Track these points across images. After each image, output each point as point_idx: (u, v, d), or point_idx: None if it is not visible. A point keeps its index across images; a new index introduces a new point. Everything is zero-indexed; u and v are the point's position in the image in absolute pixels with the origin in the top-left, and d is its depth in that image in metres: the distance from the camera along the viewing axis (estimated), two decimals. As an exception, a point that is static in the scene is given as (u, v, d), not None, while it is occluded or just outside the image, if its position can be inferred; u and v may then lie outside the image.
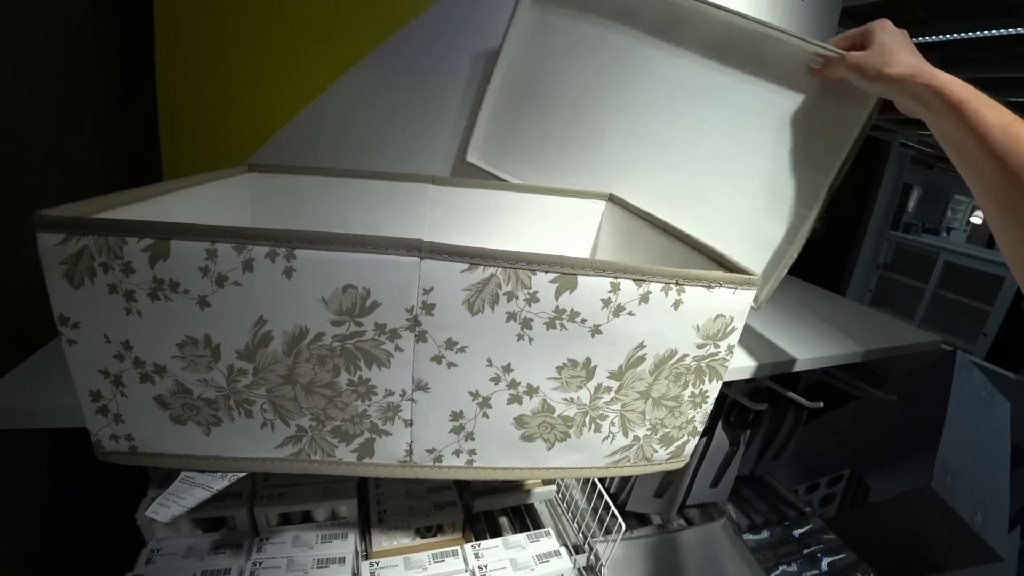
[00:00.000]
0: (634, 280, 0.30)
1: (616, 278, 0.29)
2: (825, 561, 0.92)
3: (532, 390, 0.32)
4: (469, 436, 0.32)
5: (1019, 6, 2.17)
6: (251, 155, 0.63)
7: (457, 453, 0.33)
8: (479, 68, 0.67)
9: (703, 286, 0.32)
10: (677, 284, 0.31)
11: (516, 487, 0.72)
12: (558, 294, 0.29)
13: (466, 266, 0.27)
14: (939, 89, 0.44)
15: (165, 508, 0.34)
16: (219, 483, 0.35)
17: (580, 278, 0.29)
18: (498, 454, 0.34)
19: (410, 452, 0.33)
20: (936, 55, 2.93)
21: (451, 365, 0.30)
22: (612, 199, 0.61)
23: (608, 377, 0.33)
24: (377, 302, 0.27)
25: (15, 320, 0.49)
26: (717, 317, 0.34)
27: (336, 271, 0.26)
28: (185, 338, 0.27)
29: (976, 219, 5.40)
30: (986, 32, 2.40)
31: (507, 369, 0.30)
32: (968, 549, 1.23)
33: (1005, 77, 3.05)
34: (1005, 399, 1.44)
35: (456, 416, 0.32)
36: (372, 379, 0.29)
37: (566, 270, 0.28)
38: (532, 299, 0.29)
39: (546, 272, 0.28)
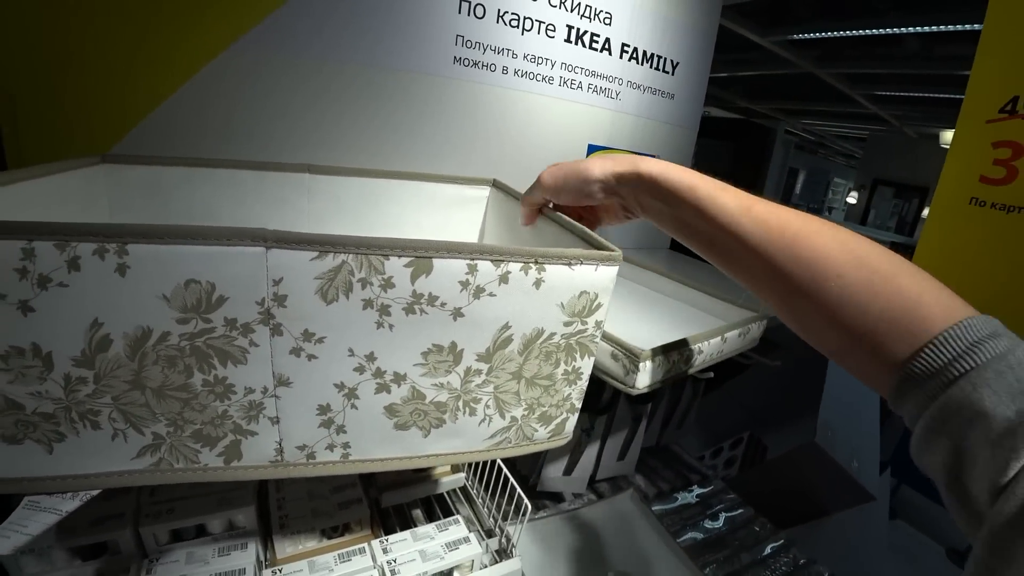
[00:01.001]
0: (492, 261, 0.31)
1: (473, 259, 0.30)
2: (726, 518, 1.00)
3: (399, 378, 0.32)
4: (340, 429, 0.32)
5: (885, 9, 2.42)
6: (112, 147, 0.58)
7: (331, 448, 0.33)
8: (355, 52, 0.66)
9: (564, 264, 0.33)
10: (537, 263, 0.32)
11: (424, 478, 0.72)
12: (414, 278, 0.29)
13: (315, 254, 0.27)
14: (656, 177, 0.40)
15: (4, 539, 0.31)
16: (69, 504, 0.32)
17: (435, 261, 0.29)
18: (373, 445, 0.34)
19: (280, 451, 0.32)
20: (815, 51, 3.21)
21: (311, 357, 0.29)
22: (496, 184, 0.62)
23: (477, 360, 0.34)
24: (224, 296, 0.26)
25: None
26: (581, 294, 0.35)
27: (176, 266, 0.25)
28: (9, 348, 0.25)
29: (851, 199, 5.99)
30: (858, 32, 2.66)
31: (370, 358, 0.30)
32: (848, 493, 1.38)
33: (872, 72, 3.40)
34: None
35: (324, 409, 0.31)
36: (229, 377, 0.28)
37: (419, 253, 0.28)
38: (387, 284, 0.29)
39: (400, 256, 0.28)
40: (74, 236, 0.23)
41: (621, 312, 0.71)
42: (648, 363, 0.52)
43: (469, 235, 0.64)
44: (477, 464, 0.74)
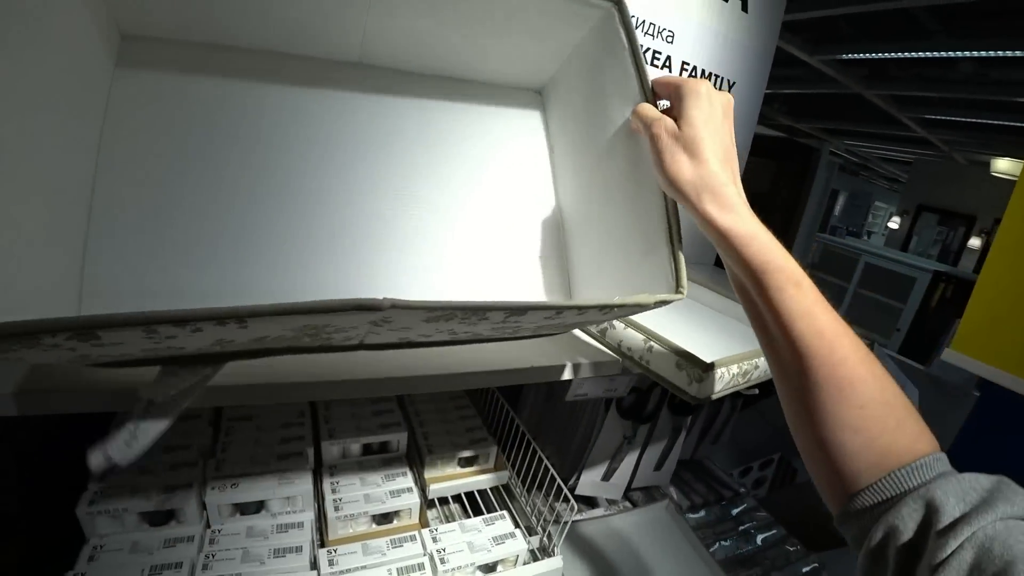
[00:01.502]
0: (577, 310, 0.34)
1: (559, 312, 0.33)
2: (759, 537, 0.99)
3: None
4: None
5: (933, 31, 2.36)
6: None
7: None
8: None
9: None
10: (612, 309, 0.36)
11: (469, 473, 0.73)
12: (506, 316, 0.32)
13: (426, 315, 0.28)
14: (736, 244, 0.38)
15: (125, 448, 0.32)
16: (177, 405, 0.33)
17: (529, 312, 0.32)
18: None
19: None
20: (863, 71, 3.15)
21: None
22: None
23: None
24: (335, 327, 0.29)
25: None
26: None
27: (293, 321, 0.27)
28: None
29: (893, 224, 5.85)
30: (904, 54, 2.61)
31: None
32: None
33: (922, 96, 3.32)
34: (915, 388, 1.57)
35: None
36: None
37: (515, 308, 0.31)
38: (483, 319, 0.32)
39: (499, 311, 0.30)
40: (200, 319, 0.24)
41: (673, 324, 0.72)
42: (713, 374, 0.53)
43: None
44: (520, 463, 0.76)
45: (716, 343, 0.67)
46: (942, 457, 0.34)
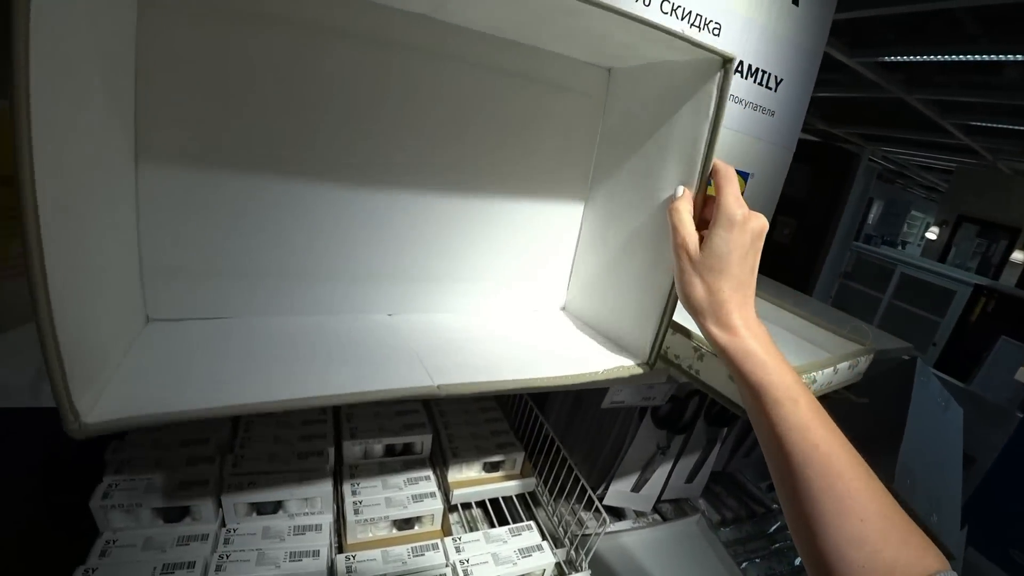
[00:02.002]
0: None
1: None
2: (797, 559, 0.94)
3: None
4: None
5: (977, 35, 2.26)
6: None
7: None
8: None
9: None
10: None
11: (495, 479, 0.70)
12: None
13: None
14: (734, 360, 0.41)
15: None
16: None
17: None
18: None
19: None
20: (902, 75, 3.04)
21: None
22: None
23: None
24: None
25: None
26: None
27: None
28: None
29: (931, 235, 5.65)
30: (947, 57, 2.50)
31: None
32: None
33: (966, 101, 3.19)
34: (959, 406, 1.50)
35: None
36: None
37: None
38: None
39: None
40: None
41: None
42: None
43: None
44: (547, 470, 0.72)
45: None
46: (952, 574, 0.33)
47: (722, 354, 0.42)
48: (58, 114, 0.26)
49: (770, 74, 1.12)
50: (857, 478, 0.36)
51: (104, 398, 0.32)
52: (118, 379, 0.34)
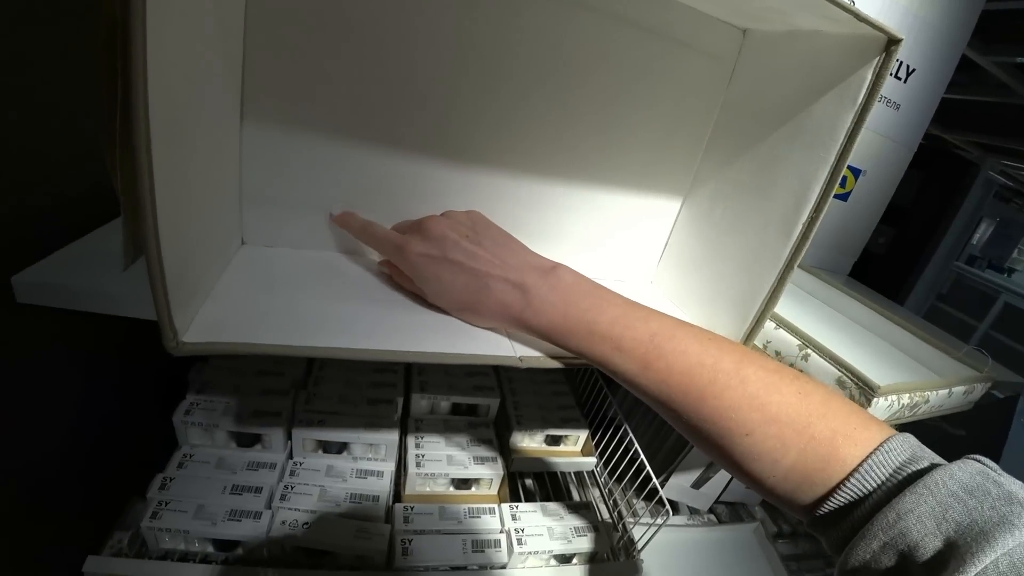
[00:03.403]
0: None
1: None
2: None
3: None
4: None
5: None
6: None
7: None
8: None
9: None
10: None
11: (556, 452, 0.68)
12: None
13: None
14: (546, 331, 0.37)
15: None
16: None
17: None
18: None
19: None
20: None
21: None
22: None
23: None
24: None
25: (68, 199, 0.46)
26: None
27: None
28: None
29: (1045, 263, 5.09)
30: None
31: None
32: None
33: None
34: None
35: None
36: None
37: None
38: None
39: None
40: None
41: (823, 330, 0.62)
42: (881, 400, 0.44)
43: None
44: (609, 450, 0.69)
45: (879, 363, 0.57)
46: (893, 447, 0.29)
47: (545, 336, 0.37)
48: (171, 35, 0.24)
49: (901, 62, 1.01)
50: (771, 399, 0.32)
51: (198, 319, 0.32)
52: (212, 301, 0.34)
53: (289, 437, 0.58)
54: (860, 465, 0.29)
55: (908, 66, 1.03)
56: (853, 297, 0.82)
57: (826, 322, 0.72)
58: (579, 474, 0.71)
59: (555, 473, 0.70)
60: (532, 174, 0.50)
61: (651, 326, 0.35)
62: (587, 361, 0.37)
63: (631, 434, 0.68)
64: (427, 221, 0.39)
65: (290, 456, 0.59)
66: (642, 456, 0.65)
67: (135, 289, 0.36)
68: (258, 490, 0.54)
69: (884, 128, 1.06)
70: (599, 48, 0.46)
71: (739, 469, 0.33)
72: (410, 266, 0.39)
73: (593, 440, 0.71)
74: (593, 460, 0.69)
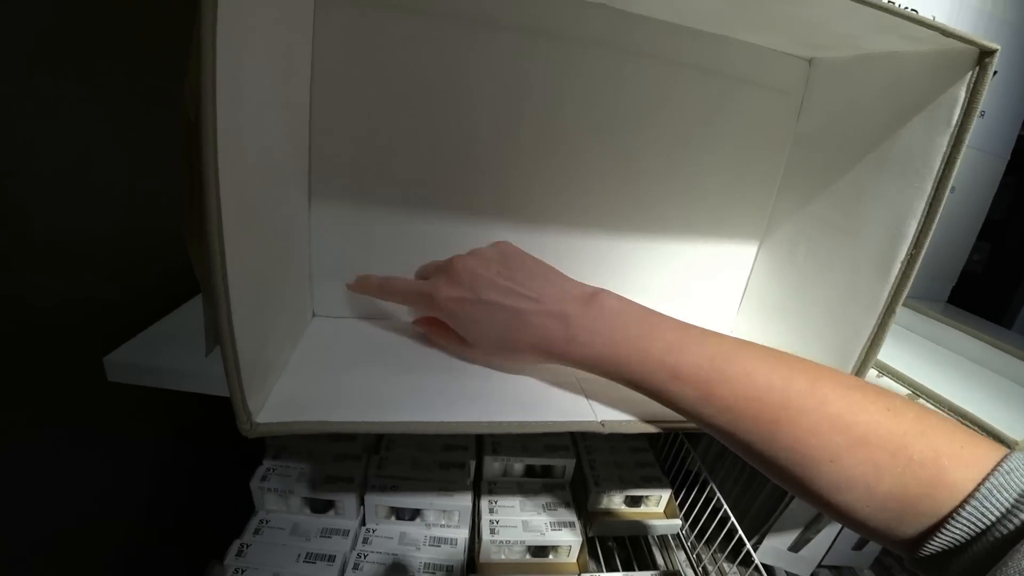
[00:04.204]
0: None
1: None
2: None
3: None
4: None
5: None
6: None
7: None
8: None
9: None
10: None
11: (637, 515, 0.64)
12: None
13: None
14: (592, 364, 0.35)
15: None
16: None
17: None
18: None
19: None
20: None
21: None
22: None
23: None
24: None
25: (161, 278, 0.49)
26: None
27: None
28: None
29: None
30: None
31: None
32: None
33: None
34: None
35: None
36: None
37: None
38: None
39: None
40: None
41: (930, 371, 0.56)
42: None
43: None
44: (693, 509, 0.64)
45: (1003, 408, 0.50)
46: (1015, 466, 0.24)
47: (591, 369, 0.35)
48: (243, 133, 0.25)
49: (985, 70, 0.94)
50: (857, 420, 0.28)
51: (272, 398, 0.32)
52: (285, 378, 0.35)
53: (362, 503, 0.57)
54: (976, 490, 0.24)
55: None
56: (957, 328, 0.74)
57: (932, 361, 0.65)
58: (663, 537, 0.66)
59: (637, 536, 0.66)
60: (597, 228, 0.48)
61: (709, 349, 0.32)
62: (643, 393, 0.34)
63: (717, 491, 0.63)
64: (454, 262, 0.37)
65: (363, 523, 0.58)
66: (731, 516, 0.60)
67: (213, 367, 0.37)
68: (331, 558, 0.53)
69: (972, 139, 0.98)
70: (658, 94, 0.45)
71: (826, 502, 0.29)
72: (444, 313, 0.37)
73: (676, 499, 0.66)
74: (678, 522, 0.64)
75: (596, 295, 0.35)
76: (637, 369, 0.33)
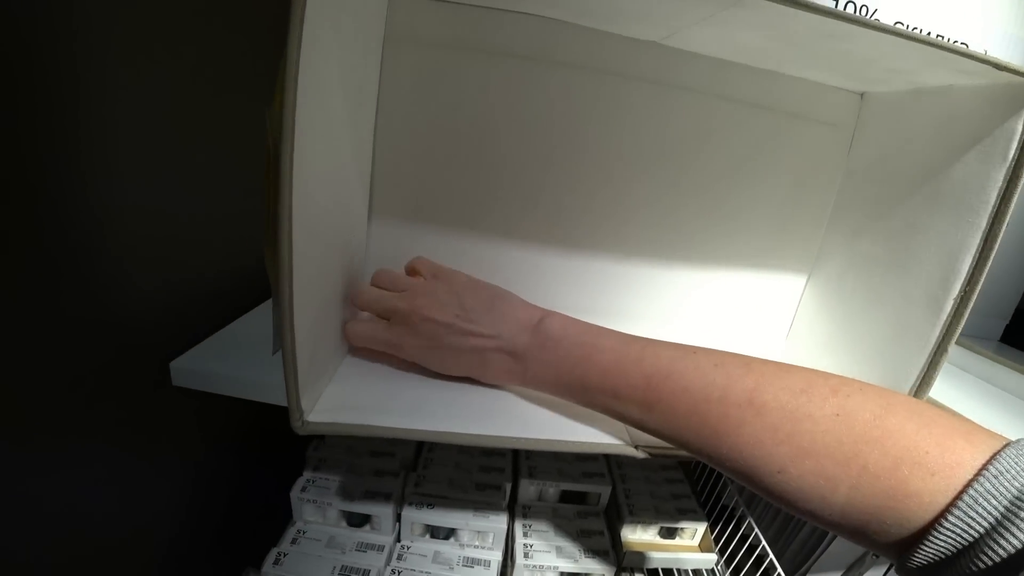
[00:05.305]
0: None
1: None
2: None
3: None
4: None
5: None
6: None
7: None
8: None
9: None
10: None
11: (672, 547, 0.63)
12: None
13: None
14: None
15: None
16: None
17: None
18: None
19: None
20: None
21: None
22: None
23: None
24: None
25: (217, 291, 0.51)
26: None
27: None
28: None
29: None
30: None
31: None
32: None
33: None
34: None
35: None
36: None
37: None
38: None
39: None
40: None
41: (974, 406, 0.54)
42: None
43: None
44: (730, 547, 0.63)
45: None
46: (1004, 468, 0.21)
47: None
48: (315, 164, 0.28)
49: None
50: (800, 428, 0.27)
51: (322, 401, 0.34)
52: (335, 384, 0.37)
53: (398, 519, 0.58)
54: (957, 499, 0.22)
55: None
56: (1011, 367, 0.72)
57: (985, 402, 0.63)
58: (697, 572, 0.65)
59: (670, 570, 0.64)
60: (644, 257, 0.49)
61: (645, 367, 0.32)
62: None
63: (755, 527, 0.61)
64: (409, 310, 0.38)
65: (398, 539, 0.59)
66: (769, 553, 0.58)
67: (272, 377, 0.39)
68: (366, 573, 0.54)
69: (1026, 175, 0.96)
70: (706, 128, 0.46)
71: (789, 507, 0.28)
72: (412, 359, 0.39)
73: (712, 533, 0.64)
74: (713, 556, 0.63)
75: (541, 322, 0.36)
76: (581, 396, 0.35)
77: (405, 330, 0.38)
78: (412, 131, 0.41)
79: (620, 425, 0.38)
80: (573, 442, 0.35)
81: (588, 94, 0.43)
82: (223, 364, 0.40)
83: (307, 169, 0.26)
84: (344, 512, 0.59)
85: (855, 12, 0.76)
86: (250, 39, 0.46)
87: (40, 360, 0.34)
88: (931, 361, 0.39)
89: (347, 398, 0.35)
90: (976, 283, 0.37)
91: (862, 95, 0.48)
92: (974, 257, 0.37)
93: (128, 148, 0.38)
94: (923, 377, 0.40)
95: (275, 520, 0.59)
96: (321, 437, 0.65)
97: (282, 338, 0.28)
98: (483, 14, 0.40)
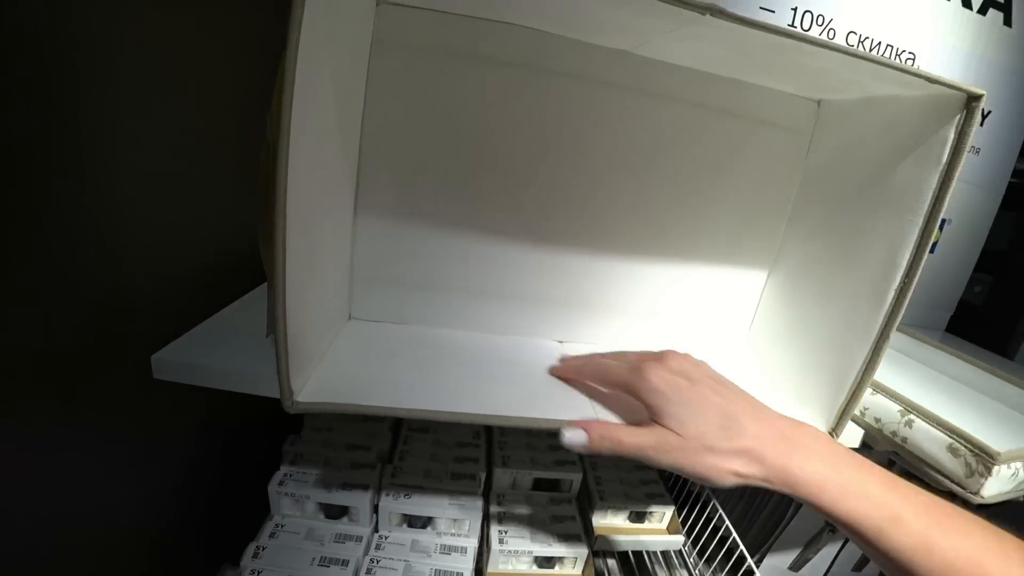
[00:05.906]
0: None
1: None
2: None
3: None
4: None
5: None
6: None
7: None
8: None
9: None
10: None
11: (641, 530, 0.65)
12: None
13: None
14: (817, 502, 0.33)
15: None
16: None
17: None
18: None
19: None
20: None
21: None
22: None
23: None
24: None
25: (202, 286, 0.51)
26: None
27: None
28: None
29: None
30: None
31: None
32: None
33: None
34: None
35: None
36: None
37: None
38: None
39: None
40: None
41: (925, 394, 0.58)
42: (1003, 468, 0.40)
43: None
44: (696, 529, 0.66)
45: (993, 427, 0.52)
46: None
47: (809, 502, 0.34)
48: (306, 155, 0.29)
49: (977, 108, 0.98)
50: None
51: (310, 383, 0.36)
52: (322, 368, 0.39)
53: (375, 510, 0.59)
54: None
55: (984, 109, 0.99)
56: (954, 355, 0.77)
57: (927, 384, 0.68)
58: (665, 554, 0.68)
59: (640, 552, 0.67)
60: (621, 253, 0.52)
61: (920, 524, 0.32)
62: (844, 527, 0.34)
63: (720, 509, 0.65)
64: (666, 355, 0.37)
65: (376, 529, 0.60)
66: (733, 533, 0.61)
67: (256, 368, 0.39)
68: (344, 563, 0.55)
69: (967, 175, 1.02)
70: (676, 132, 0.49)
71: None
72: (650, 387, 0.36)
73: (679, 516, 0.68)
74: (680, 538, 0.66)
75: (805, 424, 0.36)
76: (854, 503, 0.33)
77: (653, 363, 0.37)
78: (397, 129, 0.43)
79: (588, 405, 0.40)
80: (544, 419, 0.38)
81: (569, 100, 0.45)
82: (205, 356, 0.41)
83: (300, 165, 0.28)
84: (322, 504, 0.60)
85: (812, 21, 0.80)
86: (244, 42, 0.47)
87: (20, 350, 0.34)
88: (874, 348, 0.42)
89: (334, 380, 0.37)
90: (914, 275, 0.40)
91: (819, 102, 0.51)
92: (911, 252, 0.40)
93: (124, 145, 0.38)
94: (868, 363, 0.43)
95: (253, 515, 0.60)
96: (297, 431, 0.66)
97: (274, 322, 0.29)
98: (468, 23, 0.42)
